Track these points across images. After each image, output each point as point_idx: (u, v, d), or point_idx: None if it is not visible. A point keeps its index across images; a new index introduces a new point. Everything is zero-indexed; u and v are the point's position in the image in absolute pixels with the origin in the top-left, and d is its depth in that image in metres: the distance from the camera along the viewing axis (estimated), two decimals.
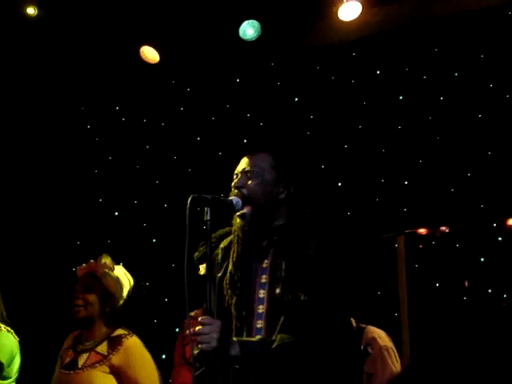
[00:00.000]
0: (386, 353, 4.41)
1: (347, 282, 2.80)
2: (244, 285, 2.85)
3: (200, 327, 2.60)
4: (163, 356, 5.61)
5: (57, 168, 6.55)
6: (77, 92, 6.56)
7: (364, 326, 4.52)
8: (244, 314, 2.82)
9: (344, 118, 6.34)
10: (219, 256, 3.00)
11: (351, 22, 5.71)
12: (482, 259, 5.75)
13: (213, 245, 2.89)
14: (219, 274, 2.95)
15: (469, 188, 5.91)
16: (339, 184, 6.27)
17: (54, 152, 6.57)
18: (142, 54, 6.05)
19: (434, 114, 6.16)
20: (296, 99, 6.53)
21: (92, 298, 4.05)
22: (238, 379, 2.76)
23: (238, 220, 2.86)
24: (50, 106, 6.53)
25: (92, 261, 4.18)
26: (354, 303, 2.86)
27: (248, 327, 2.80)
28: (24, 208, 6.37)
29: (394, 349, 4.50)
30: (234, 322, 2.82)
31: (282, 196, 2.91)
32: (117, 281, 4.11)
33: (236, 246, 2.91)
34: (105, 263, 4.15)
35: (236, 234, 2.91)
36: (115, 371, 3.90)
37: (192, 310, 4.12)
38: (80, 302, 4.04)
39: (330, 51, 6.30)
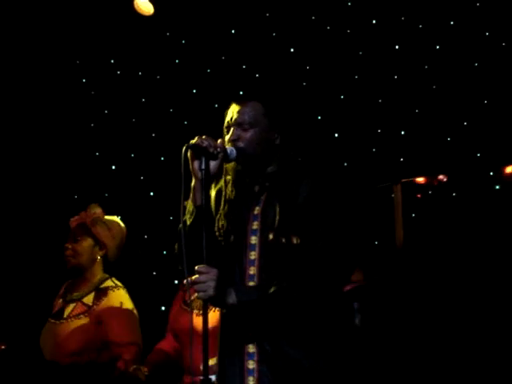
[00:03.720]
0: None
1: (342, 223, 2.79)
2: (236, 231, 2.85)
3: (197, 276, 2.61)
4: (162, 308, 5.65)
5: (52, 122, 6.52)
6: (71, 46, 6.51)
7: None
8: (236, 261, 2.83)
9: (340, 68, 6.31)
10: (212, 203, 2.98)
11: None
12: (479, 208, 5.76)
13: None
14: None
15: (465, 137, 5.92)
16: (336, 135, 6.27)
17: (50, 107, 6.54)
18: (136, 6, 5.99)
19: (430, 63, 6.14)
20: (292, 50, 6.49)
21: (81, 247, 4.08)
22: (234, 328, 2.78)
23: (232, 163, 2.83)
24: (45, 60, 6.49)
25: (83, 211, 4.20)
26: (355, 246, 2.82)
27: (241, 274, 2.81)
28: (20, 162, 6.35)
29: None
30: (227, 270, 2.83)
31: (277, 142, 2.89)
32: (107, 229, 4.13)
33: (229, 189, 2.89)
34: (94, 212, 4.17)
35: (228, 177, 2.89)
36: (98, 321, 3.96)
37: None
38: (69, 252, 4.08)
39: (325, 1, 6.26)
